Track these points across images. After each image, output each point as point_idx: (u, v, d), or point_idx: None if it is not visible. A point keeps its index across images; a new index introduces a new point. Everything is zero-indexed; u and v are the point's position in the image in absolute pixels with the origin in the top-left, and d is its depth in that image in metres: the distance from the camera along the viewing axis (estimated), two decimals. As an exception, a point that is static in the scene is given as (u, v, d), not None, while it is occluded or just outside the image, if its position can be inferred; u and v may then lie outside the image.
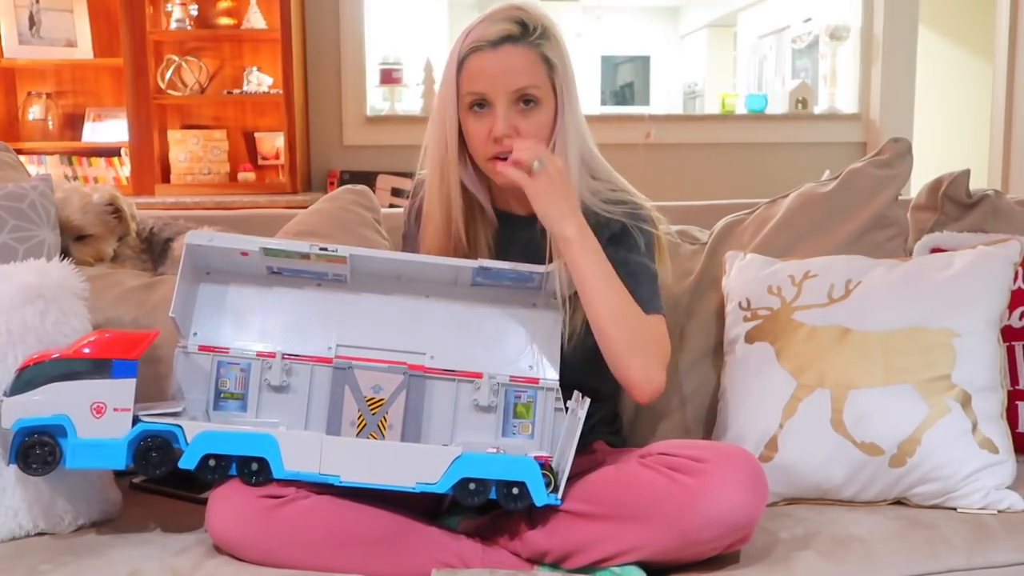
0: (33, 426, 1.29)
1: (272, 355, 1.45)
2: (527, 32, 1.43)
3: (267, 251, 1.42)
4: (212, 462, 1.31)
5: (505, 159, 1.42)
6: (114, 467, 1.32)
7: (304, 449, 1.32)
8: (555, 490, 1.32)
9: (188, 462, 1.31)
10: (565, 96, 1.46)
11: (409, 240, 1.64)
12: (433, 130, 1.49)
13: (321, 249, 1.41)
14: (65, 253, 1.73)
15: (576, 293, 1.43)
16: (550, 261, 1.45)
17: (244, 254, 1.43)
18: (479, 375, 1.47)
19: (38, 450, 1.28)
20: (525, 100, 1.43)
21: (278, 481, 1.31)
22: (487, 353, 1.48)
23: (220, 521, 1.31)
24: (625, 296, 1.43)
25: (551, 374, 1.47)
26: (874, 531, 1.39)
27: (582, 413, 1.34)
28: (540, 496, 1.31)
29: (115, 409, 1.30)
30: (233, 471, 1.32)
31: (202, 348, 1.45)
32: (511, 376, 1.47)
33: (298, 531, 1.29)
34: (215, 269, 1.48)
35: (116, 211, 1.85)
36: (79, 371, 1.30)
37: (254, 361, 1.46)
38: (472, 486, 1.31)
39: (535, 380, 1.47)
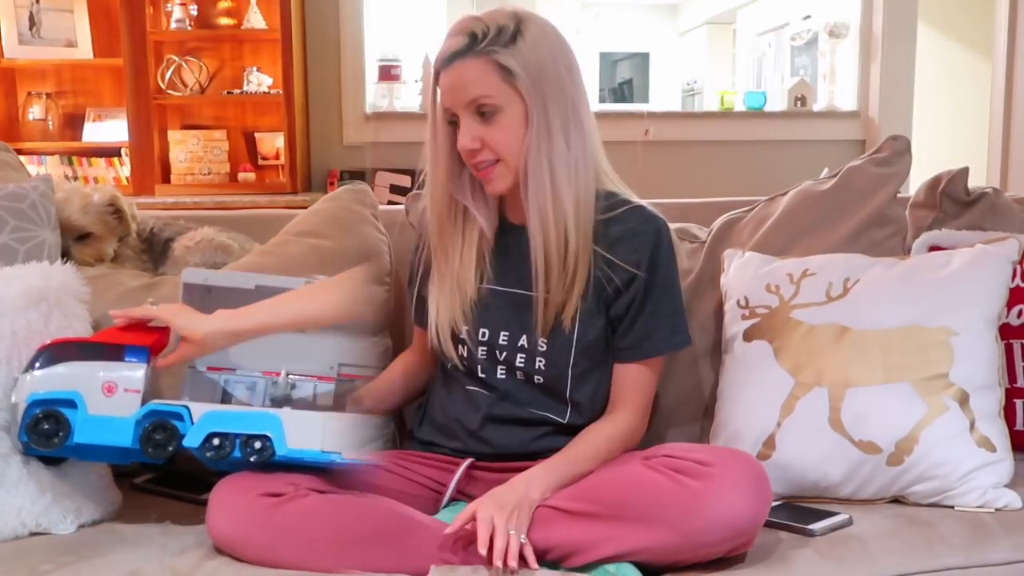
0: (45, 399, 1.33)
1: (277, 373, 1.51)
2: (476, 42, 1.39)
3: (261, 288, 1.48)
4: (216, 441, 1.34)
5: (481, 170, 1.43)
6: (121, 444, 1.34)
7: (306, 428, 1.35)
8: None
9: (193, 440, 1.33)
10: (535, 101, 1.40)
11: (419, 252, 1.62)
12: (426, 146, 1.48)
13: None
14: (65, 253, 1.74)
15: None
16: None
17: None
18: None
19: (47, 424, 1.32)
20: (481, 110, 1.41)
21: (279, 468, 1.33)
22: None
23: (220, 520, 1.32)
24: (605, 449, 1.45)
25: None
26: (872, 529, 1.39)
27: None
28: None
29: (125, 390, 1.34)
30: (237, 451, 1.34)
31: (210, 368, 1.51)
32: None
33: (298, 529, 1.30)
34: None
35: (116, 211, 1.85)
36: (93, 354, 1.35)
37: (259, 379, 1.52)
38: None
39: None
